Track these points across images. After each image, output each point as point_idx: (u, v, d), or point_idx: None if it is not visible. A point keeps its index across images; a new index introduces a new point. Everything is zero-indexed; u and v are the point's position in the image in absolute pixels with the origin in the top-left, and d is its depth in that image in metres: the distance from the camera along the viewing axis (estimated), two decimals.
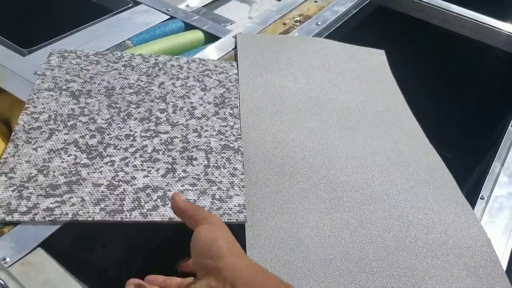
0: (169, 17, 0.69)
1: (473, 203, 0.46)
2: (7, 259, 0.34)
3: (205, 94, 0.54)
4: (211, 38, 0.67)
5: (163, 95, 0.54)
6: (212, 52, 0.62)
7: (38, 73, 0.54)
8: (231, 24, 0.70)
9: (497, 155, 0.54)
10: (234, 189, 0.43)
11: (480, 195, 0.48)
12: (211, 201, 0.42)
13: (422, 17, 0.80)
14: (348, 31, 0.75)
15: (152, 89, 0.54)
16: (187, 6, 0.73)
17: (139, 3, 0.71)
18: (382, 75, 0.63)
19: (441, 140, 0.63)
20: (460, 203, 0.44)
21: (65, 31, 0.62)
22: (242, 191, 0.43)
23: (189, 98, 0.54)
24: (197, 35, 0.67)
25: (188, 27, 0.68)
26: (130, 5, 0.70)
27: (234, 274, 0.28)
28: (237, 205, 0.42)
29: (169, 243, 0.50)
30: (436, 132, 0.61)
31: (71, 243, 0.39)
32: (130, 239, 0.47)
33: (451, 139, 0.82)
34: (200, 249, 0.30)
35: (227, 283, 0.28)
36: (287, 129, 0.50)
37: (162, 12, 0.69)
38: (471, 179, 0.68)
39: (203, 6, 0.74)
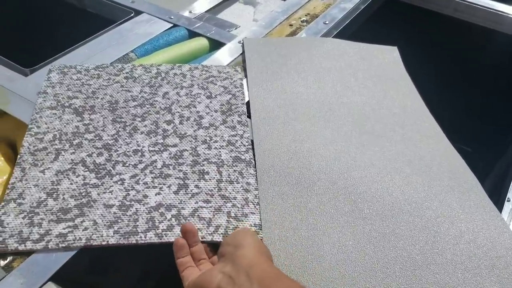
0: (172, 25, 0.68)
1: (499, 207, 0.45)
2: None
3: (211, 102, 0.53)
4: (216, 44, 0.65)
5: (168, 105, 0.53)
6: (218, 59, 0.61)
7: (40, 91, 0.53)
8: (236, 28, 0.68)
9: None
10: (249, 206, 0.42)
11: (506, 198, 0.47)
12: (226, 219, 0.41)
13: (433, 8, 0.78)
14: (358, 28, 0.73)
15: (157, 100, 0.53)
16: (190, 12, 0.72)
17: (141, 12, 0.69)
18: (396, 73, 0.61)
19: (459, 133, 0.61)
20: (487, 209, 0.43)
21: (67, 46, 0.61)
22: (257, 209, 0.42)
23: (195, 107, 0.53)
24: (201, 42, 0.65)
25: (192, 34, 0.67)
26: (132, 14, 0.69)
27: (250, 264, 0.30)
28: (253, 225, 0.41)
29: None
30: (454, 125, 0.59)
31: (82, 273, 0.38)
32: (143, 260, 0.46)
33: (470, 133, 0.80)
34: (227, 239, 0.34)
35: (241, 271, 0.30)
36: (302, 139, 0.48)
37: (164, 20, 0.68)
38: (493, 174, 0.67)
39: (206, 11, 0.73)
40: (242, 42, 0.63)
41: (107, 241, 0.38)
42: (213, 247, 0.38)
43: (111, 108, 0.52)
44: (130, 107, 0.52)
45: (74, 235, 0.38)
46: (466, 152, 0.50)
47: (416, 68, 0.63)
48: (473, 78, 0.83)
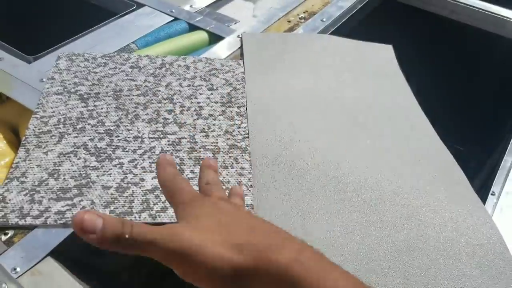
0: (173, 18, 0.68)
1: (484, 199, 0.45)
2: (18, 269, 0.35)
3: (212, 94, 0.54)
4: (215, 38, 0.66)
5: (170, 95, 0.53)
6: (217, 52, 0.62)
7: (48, 77, 0.54)
8: (235, 23, 0.69)
9: (507, 149, 0.52)
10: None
11: (491, 191, 0.47)
12: None
13: (429, 9, 0.78)
14: (354, 26, 0.73)
15: (159, 90, 0.54)
16: (191, 6, 0.72)
17: (143, 5, 0.70)
18: (390, 71, 0.61)
19: (452, 132, 0.61)
20: (472, 201, 0.43)
21: (70, 36, 0.62)
22: (249, 190, 0.42)
23: (196, 98, 0.53)
24: (201, 36, 0.66)
25: (192, 28, 0.67)
26: (134, 7, 0.69)
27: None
28: (245, 206, 0.41)
29: None
30: (447, 125, 0.59)
31: (80, 250, 0.38)
32: None
33: (462, 132, 0.80)
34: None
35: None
36: (295, 130, 0.49)
37: (165, 13, 0.69)
38: (482, 172, 0.67)
39: (206, 6, 0.73)
40: (240, 36, 0.64)
41: None
42: None
43: (115, 96, 0.52)
44: (134, 95, 0.53)
45: (72, 213, 0.39)
46: (458, 151, 0.50)
47: (410, 67, 0.63)
48: (467, 79, 0.83)
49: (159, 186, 0.42)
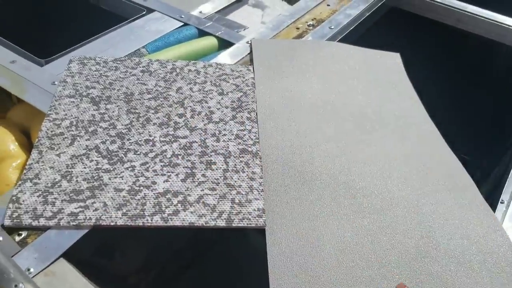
0: (182, 24, 0.69)
1: (493, 207, 0.45)
2: (31, 270, 0.35)
3: (222, 99, 0.54)
4: (224, 44, 0.67)
5: (181, 100, 0.54)
6: (226, 58, 0.62)
7: (60, 80, 0.55)
8: (244, 29, 0.70)
9: None
10: (253, 193, 0.43)
11: (500, 199, 0.47)
12: (230, 205, 0.42)
13: (436, 17, 0.79)
14: (362, 34, 0.74)
15: (170, 94, 0.54)
16: (200, 12, 0.73)
17: (153, 11, 0.71)
18: (397, 79, 0.62)
19: (459, 142, 0.62)
20: (481, 208, 0.43)
21: (81, 41, 0.63)
22: (261, 195, 0.43)
23: (207, 103, 0.53)
24: (210, 41, 0.67)
25: (202, 33, 0.68)
26: (144, 12, 0.70)
27: None
28: (256, 209, 0.41)
29: (187, 248, 0.50)
30: (454, 134, 0.60)
31: (92, 252, 0.39)
32: (149, 245, 0.47)
33: (469, 141, 0.80)
34: None
35: None
36: (305, 135, 0.49)
37: (175, 19, 0.70)
38: (490, 181, 0.67)
39: (216, 12, 0.74)
40: (250, 42, 0.64)
41: (115, 222, 0.39)
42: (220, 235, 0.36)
43: (126, 100, 0.53)
44: (145, 99, 0.53)
45: (85, 215, 0.39)
46: (464, 161, 0.50)
47: (417, 75, 0.64)
48: (474, 87, 0.84)
49: (171, 190, 0.43)
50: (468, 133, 0.83)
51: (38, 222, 0.39)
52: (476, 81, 0.83)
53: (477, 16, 0.75)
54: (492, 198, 0.49)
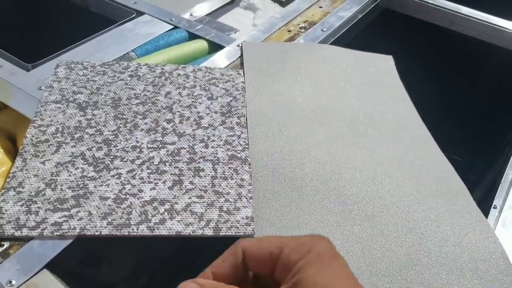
0: (172, 26, 0.68)
1: (485, 212, 0.45)
2: (13, 282, 0.34)
3: (211, 103, 0.54)
4: (215, 47, 0.66)
5: (169, 105, 0.53)
6: (217, 61, 0.61)
7: (46, 85, 0.54)
8: (235, 32, 0.69)
9: (510, 162, 0.52)
10: (241, 200, 0.42)
11: (493, 204, 0.47)
12: (218, 214, 0.41)
13: (429, 19, 0.78)
14: (354, 36, 0.74)
15: (159, 99, 0.53)
16: (191, 15, 0.72)
17: (143, 13, 0.70)
18: (390, 81, 0.61)
19: (451, 143, 0.61)
20: (473, 214, 0.42)
21: (69, 44, 0.62)
22: (249, 202, 0.42)
23: (196, 108, 0.53)
24: (201, 44, 0.66)
25: (192, 36, 0.67)
26: (134, 15, 0.69)
27: None
28: (244, 217, 0.41)
29: (176, 256, 0.49)
30: (446, 135, 0.59)
31: (76, 262, 0.38)
32: (137, 254, 0.46)
33: (461, 143, 0.80)
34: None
35: None
36: (295, 140, 0.49)
37: (165, 22, 0.69)
38: (483, 184, 0.67)
39: (207, 15, 0.73)
40: (240, 45, 0.64)
41: (100, 232, 0.38)
42: None
43: (113, 105, 0.52)
44: (133, 104, 0.52)
45: (69, 224, 0.38)
46: (456, 162, 0.50)
47: (409, 77, 0.63)
48: (466, 89, 0.84)
49: (157, 198, 0.42)
50: (460, 134, 0.83)
51: (21, 232, 0.38)
52: (469, 82, 0.83)
53: (470, 18, 0.74)
54: (485, 203, 0.48)
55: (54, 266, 0.36)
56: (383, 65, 0.64)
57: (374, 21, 0.79)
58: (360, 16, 0.75)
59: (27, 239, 0.37)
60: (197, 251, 0.49)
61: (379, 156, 0.48)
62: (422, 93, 0.63)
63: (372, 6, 0.78)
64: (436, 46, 0.81)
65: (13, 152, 0.51)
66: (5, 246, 0.37)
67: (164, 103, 0.53)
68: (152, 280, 0.50)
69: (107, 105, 0.52)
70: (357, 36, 0.74)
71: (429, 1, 0.77)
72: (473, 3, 0.76)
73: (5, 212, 0.39)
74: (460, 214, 0.42)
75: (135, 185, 0.43)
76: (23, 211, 0.39)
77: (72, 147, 0.46)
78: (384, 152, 0.49)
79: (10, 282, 0.34)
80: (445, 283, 0.36)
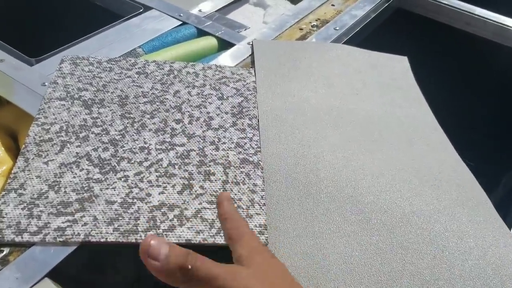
0: (181, 22, 0.65)
1: (507, 223, 0.42)
2: None
3: (222, 104, 0.51)
4: (224, 44, 0.63)
5: (178, 104, 0.50)
6: (226, 59, 0.59)
7: (50, 81, 0.51)
8: (245, 29, 0.66)
9: None
10: (254, 207, 0.40)
11: None
12: None
13: (443, 20, 0.76)
14: (368, 35, 0.71)
15: (167, 98, 0.51)
16: (200, 11, 0.69)
17: (150, 8, 0.67)
18: (405, 83, 0.59)
19: (464, 147, 0.59)
20: (496, 225, 0.40)
21: (74, 39, 0.59)
22: (262, 209, 0.40)
23: (206, 108, 0.50)
24: (210, 41, 0.63)
25: (201, 33, 0.65)
26: (141, 10, 0.67)
27: None
28: (258, 225, 0.38)
29: None
30: (458, 139, 0.57)
31: (80, 269, 0.36)
32: (141, 261, 0.44)
33: (474, 147, 0.77)
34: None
35: None
36: (309, 144, 0.46)
37: (173, 17, 0.66)
38: (498, 191, 0.64)
39: (216, 11, 0.70)
40: (251, 43, 0.61)
41: (106, 238, 0.36)
42: None
43: (120, 103, 0.49)
44: (140, 103, 0.50)
45: (73, 230, 0.36)
46: (469, 167, 0.48)
47: (424, 79, 0.61)
48: (481, 92, 0.81)
49: (166, 203, 0.39)
50: (474, 138, 0.80)
51: (22, 237, 0.35)
52: (485, 85, 0.80)
53: (485, 19, 0.72)
54: (505, 210, 0.46)
55: (56, 274, 0.34)
56: (398, 66, 0.62)
57: (387, 21, 0.76)
58: (373, 16, 0.72)
59: (28, 245, 0.35)
60: (205, 255, 0.47)
61: (396, 162, 0.46)
62: (436, 95, 0.61)
63: (386, 5, 0.75)
64: (452, 48, 0.78)
65: (14, 150, 0.48)
66: (4, 253, 0.34)
67: (173, 102, 0.50)
68: (158, 285, 0.47)
69: (114, 103, 0.49)
70: (370, 35, 0.71)
71: (443, 1, 0.74)
72: (487, 4, 0.73)
73: (5, 216, 0.37)
74: (483, 225, 0.40)
75: (143, 189, 0.40)
76: (25, 215, 0.37)
77: (76, 147, 0.44)
78: (401, 157, 0.47)
79: None
80: None
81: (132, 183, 0.41)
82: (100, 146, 0.44)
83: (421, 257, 0.37)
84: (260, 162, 0.44)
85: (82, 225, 0.37)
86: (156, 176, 0.42)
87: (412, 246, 0.37)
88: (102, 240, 0.36)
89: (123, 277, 0.43)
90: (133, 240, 0.36)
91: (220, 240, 0.37)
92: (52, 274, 0.34)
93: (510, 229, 0.40)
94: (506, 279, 0.36)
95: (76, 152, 0.43)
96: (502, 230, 0.40)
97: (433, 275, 0.35)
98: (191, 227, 0.38)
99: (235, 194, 0.41)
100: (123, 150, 0.44)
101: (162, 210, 0.39)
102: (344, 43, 0.65)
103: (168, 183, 0.41)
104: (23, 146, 0.43)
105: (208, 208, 0.39)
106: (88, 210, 0.38)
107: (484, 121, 0.82)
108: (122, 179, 0.41)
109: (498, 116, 0.81)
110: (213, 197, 0.40)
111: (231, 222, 0.29)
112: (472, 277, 0.35)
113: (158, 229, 0.37)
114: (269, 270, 0.27)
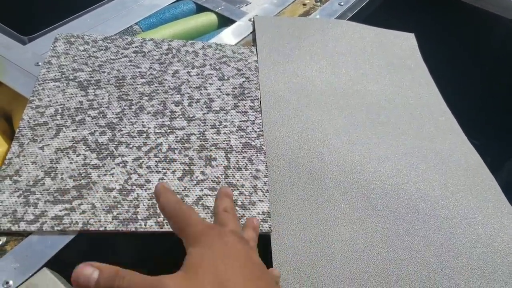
0: None
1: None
2: (10, 282, 0.30)
3: (223, 84, 0.48)
4: (224, 21, 0.59)
5: (177, 85, 0.47)
6: (227, 37, 0.55)
7: (44, 61, 0.48)
8: (246, 5, 0.62)
9: None
10: (257, 193, 0.38)
11: None
12: None
13: None
14: (373, 11, 0.66)
15: (166, 79, 0.48)
16: None
17: None
18: (412, 62, 0.55)
19: (468, 126, 0.56)
20: (505, 211, 0.38)
21: (68, 15, 0.55)
22: (266, 196, 0.37)
23: (206, 89, 0.47)
24: (209, 18, 0.59)
25: (200, 9, 0.60)
26: None
27: None
28: (261, 213, 0.36)
29: (181, 250, 0.45)
30: (464, 117, 0.54)
31: (79, 258, 0.34)
32: (141, 247, 0.42)
33: (478, 126, 0.74)
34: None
35: None
36: (313, 127, 0.43)
37: None
38: (503, 170, 0.62)
39: None
40: (252, 20, 0.57)
41: (105, 227, 0.34)
42: None
43: (117, 84, 0.46)
44: (138, 84, 0.46)
45: (71, 218, 0.34)
46: (474, 146, 0.45)
47: (431, 56, 0.57)
48: (489, 70, 0.77)
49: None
50: (479, 117, 0.77)
51: (18, 226, 0.33)
52: (494, 63, 0.76)
53: None
54: (509, 194, 0.44)
55: (54, 264, 0.32)
56: (405, 44, 0.58)
57: None
58: None
59: (25, 234, 0.33)
60: None
61: (403, 146, 0.43)
62: (443, 74, 0.57)
63: None
64: (461, 24, 0.73)
65: (9, 133, 0.46)
66: (1, 242, 0.33)
67: (171, 83, 0.47)
68: (157, 268, 0.46)
69: (110, 85, 0.46)
70: (376, 11, 0.67)
71: None
72: None
73: (1, 204, 0.35)
74: (491, 211, 0.38)
75: (142, 175, 0.38)
76: (21, 203, 0.35)
77: (73, 131, 0.41)
78: (408, 141, 0.44)
79: (7, 282, 0.30)
80: None
81: (131, 169, 0.38)
82: (97, 130, 0.41)
83: (428, 244, 0.35)
84: (262, 146, 0.41)
85: (80, 213, 0.35)
86: (156, 161, 0.39)
87: (418, 233, 0.35)
88: (101, 229, 0.34)
89: (123, 261, 0.41)
90: (133, 229, 0.34)
91: None
92: (51, 264, 0.32)
93: None
94: None
95: (72, 137, 0.40)
96: (510, 216, 0.38)
97: (440, 263, 0.34)
98: None
99: (238, 180, 0.38)
100: (121, 134, 0.41)
101: None
102: (349, 19, 0.61)
103: (168, 169, 0.39)
104: (17, 130, 0.41)
105: (209, 195, 0.37)
106: (86, 198, 0.36)
107: (494, 99, 0.78)
108: (121, 165, 0.39)
109: (505, 95, 0.77)
110: (215, 183, 0.38)
111: (176, 212, 0.25)
112: (480, 265, 0.34)
113: (159, 217, 0.35)
114: (221, 263, 0.22)
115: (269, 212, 0.36)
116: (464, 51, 0.75)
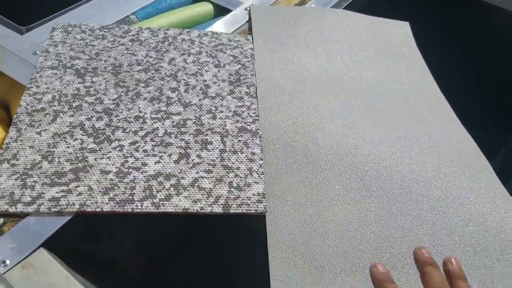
0: None
1: (509, 190, 0.40)
2: (7, 262, 0.30)
3: (219, 71, 0.48)
4: (220, 10, 0.59)
5: (174, 72, 0.47)
6: (223, 26, 0.55)
7: (41, 49, 0.48)
8: None
9: None
10: (252, 176, 0.38)
11: None
12: (228, 190, 0.36)
13: None
14: (368, 0, 0.66)
15: (162, 66, 0.48)
16: None
17: None
18: (407, 50, 0.55)
19: (463, 116, 0.56)
20: (497, 191, 0.38)
21: (66, 6, 0.55)
22: (261, 178, 0.38)
23: (202, 76, 0.47)
24: (205, 7, 0.59)
25: None
26: None
27: None
28: (256, 194, 0.36)
29: (180, 233, 0.46)
30: (458, 107, 0.54)
31: (75, 240, 0.34)
32: (139, 229, 0.43)
33: (473, 116, 0.74)
34: None
35: None
36: (308, 112, 0.43)
37: None
38: (498, 157, 0.62)
39: None
40: (248, 9, 0.57)
41: (101, 208, 0.34)
42: None
43: (114, 71, 0.46)
44: (134, 71, 0.47)
45: (68, 200, 0.34)
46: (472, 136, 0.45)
47: (426, 46, 0.57)
48: (482, 60, 0.77)
49: (163, 172, 0.37)
50: (473, 107, 0.77)
51: (16, 208, 0.33)
52: (489, 53, 0.76)
53: None
54: (506, 178, 0.44)
55: (51, 244, 0.32)
56: (400, 32, 0.58)
57: None
58: None
59: (23, 215, 0.33)
60: (203, 225, 0.46)
61: (397, 130, 0.43)
62: (440, 63, 0.57)
63: None
64: (455, 13, 0.73)
65: (6, 121, 0.46)
66: None
67: (168, 70, 0.47)
68: (156, 254, 0.46)
69: (107, 72, 0.46)
70: (371, 1, 0.67)
71: None
72: None
73: None
74: (484, 191, 0.38)
75: (138, 158, 0.38)
76: (18, 185, 0.35)
77: (70, 116, 0.41)
78: (402, 125, 0.44)
79: (4, 262, 0.30)
80: (469, 265, 0.32)
81: (128, 153, 0.38)
82: (94, 116, 0.41)
83: (420, 223, 0.35)
84: (258, 130, 0.41)
85: (77, 195, 0.35)
86: (152, 145, 0.39)
87: (411, 212, 0.36)
88: (97, 210, 0.34)
89: (119, 246, 0.41)
90: (129, 210, 0.34)
91: (218, 209, 0.35)
92: (47, 244, 0.32)
93: (511, 195, 0.39)
94: (506, 244, 0.34)
95: (70, 122, 0.41)
96: (502, 196, 0.38)
97: (433, 241, 0.34)
98: (188, 196, 0.36)
99: (233, 163, 0.38)
100: (117, 119, 0.41)
101: (158, 180, 0.37)
102: (345, 8, 0.61)
103: (164, 152, 0.39)
104: (15, 116, 0.41)
105: (205, 177, 0.37)
106: (82, 180, 0.36)
107: (485, 90, 0.78)
108: (117, 149, 0.39)
109: (499, 86, 0.77)
110: (210, 166, 0.38)
111: None
112: (472, 243, 0.34)
113: (155, 199, 0.35)
114: None
115: (263, 193, 0.36)
116: (459, 40, 0.75)
